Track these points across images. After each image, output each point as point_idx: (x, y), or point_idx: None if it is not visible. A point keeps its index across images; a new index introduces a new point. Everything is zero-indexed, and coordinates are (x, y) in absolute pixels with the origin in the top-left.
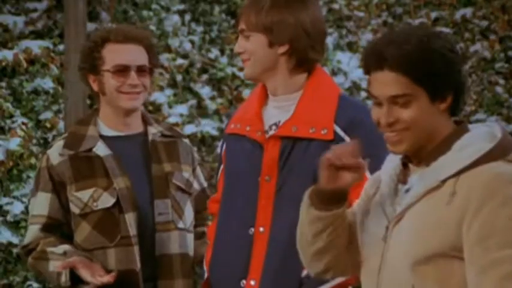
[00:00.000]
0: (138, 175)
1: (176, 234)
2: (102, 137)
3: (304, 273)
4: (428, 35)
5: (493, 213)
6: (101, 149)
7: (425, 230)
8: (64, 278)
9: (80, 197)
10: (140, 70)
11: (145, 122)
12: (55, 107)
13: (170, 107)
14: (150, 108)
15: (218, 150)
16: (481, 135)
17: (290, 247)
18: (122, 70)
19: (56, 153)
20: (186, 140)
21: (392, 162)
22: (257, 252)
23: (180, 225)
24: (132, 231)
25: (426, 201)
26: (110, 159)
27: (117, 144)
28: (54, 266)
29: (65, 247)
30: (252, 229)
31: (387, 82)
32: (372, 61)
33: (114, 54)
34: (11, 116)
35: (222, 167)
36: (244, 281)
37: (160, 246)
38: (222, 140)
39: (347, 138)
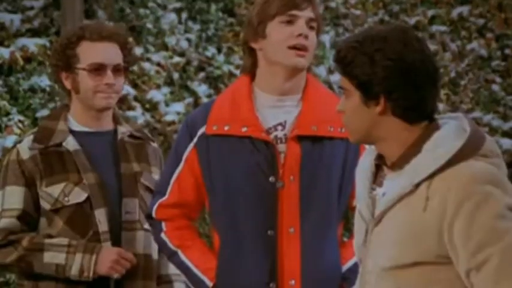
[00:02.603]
0: (107, 172)
1: (141, 234)
2: (71, 131)
3: (345, 268)
4: (365, 38)
5: (470, 215)
6: (71, 144)
7: (403, 239)
8: (75, 272)
9: (50, 192)
10: (116, 69)
11: (116, 120)
12: (51, 105)
13: (167, 105)
14: (147, 106)
15: (177, 151)
16: (450, 132)
17: (324, 244)
18: (98, 69)
19: (25, 148)
20: (155, 144)
21: (364, 166)
22: (289, 253)
23: (146, 225)
24: (102, 227)
25: (402, 206)
26: (79, 154)
27: (86, 140)
28: (51, 257)
29: (65, 239)
30: (272, 231)
31: None
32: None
33: (89, 53)
34: (8, 114)
35: (180, 169)
36: (273, 284)
37: (126, 245)
38: (186, 141)
39: None
